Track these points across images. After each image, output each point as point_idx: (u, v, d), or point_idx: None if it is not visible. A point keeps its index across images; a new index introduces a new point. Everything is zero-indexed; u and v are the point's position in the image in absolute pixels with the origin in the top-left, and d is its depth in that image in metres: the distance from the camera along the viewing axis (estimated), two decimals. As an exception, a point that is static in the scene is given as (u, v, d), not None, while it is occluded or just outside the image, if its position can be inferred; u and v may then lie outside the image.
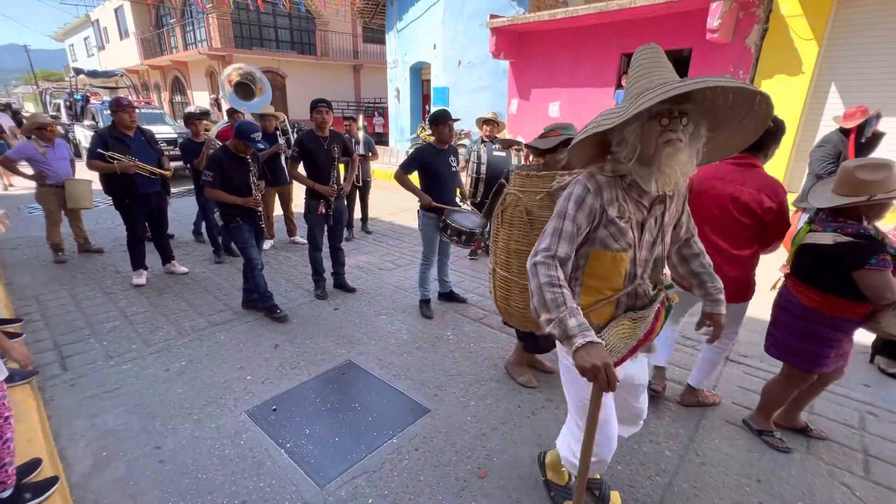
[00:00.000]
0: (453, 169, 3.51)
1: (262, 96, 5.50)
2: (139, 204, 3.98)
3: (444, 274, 3.87)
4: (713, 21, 6.07)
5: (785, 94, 6.14)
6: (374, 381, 2.76)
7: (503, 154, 4.35)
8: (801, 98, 6.07)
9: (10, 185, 8.83)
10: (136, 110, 3.92)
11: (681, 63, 7.58)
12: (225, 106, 5.96)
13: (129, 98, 13.46)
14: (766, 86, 6.32)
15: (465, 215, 3.42)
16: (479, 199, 4.28)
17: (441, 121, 3.32)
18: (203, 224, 5.31)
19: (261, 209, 3.42)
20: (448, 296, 3.90)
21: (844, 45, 5.77)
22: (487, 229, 3.31)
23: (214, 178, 3.20)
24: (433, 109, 11.31)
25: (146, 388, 2.65)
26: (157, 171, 3.97)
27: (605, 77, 7.92)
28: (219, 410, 2.46)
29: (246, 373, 2.82)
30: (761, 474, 2.07)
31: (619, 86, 7.71)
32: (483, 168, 4.28)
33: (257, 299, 3.56)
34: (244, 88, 5.45)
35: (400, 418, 2.43)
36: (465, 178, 4.40)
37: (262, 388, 2.67)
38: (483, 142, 4.81)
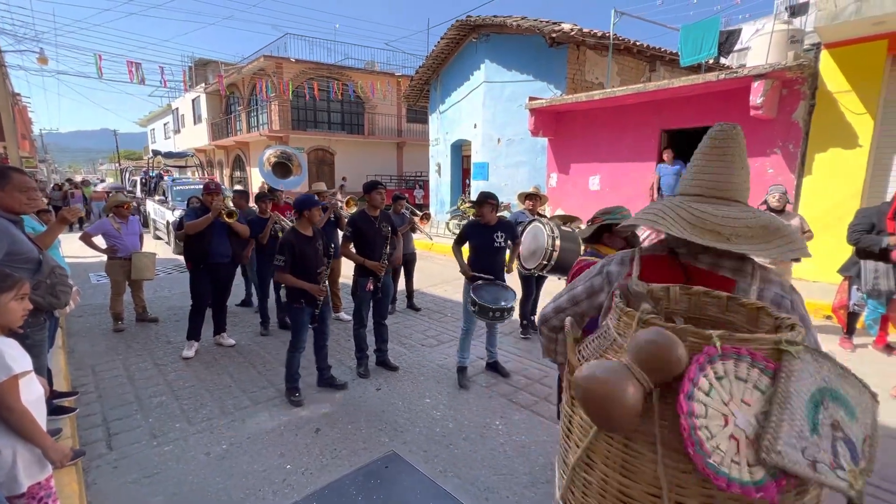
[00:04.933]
0: (496, 245, 3.62)
1: (300, 174, 5.87)
2: (210, 272, 4.26)
3: (491, 343, 3.90)
4: (756, 99, 6.10)
5: (843, 168, 5.92)
6: (419, 479, 2.54)
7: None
8: (860, 171, 5.82)
9: None
10: (221, 194, 4.33)
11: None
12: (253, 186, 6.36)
13: (199, 177, 14.90)
14: (820, 160, 6.14)
15: (496, 290, 3.55)
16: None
17: (480, 202, 3.62)
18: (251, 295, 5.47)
19: (321, 299, 3.41)
20: (493, 366, 3.91)
21: (904, 118, 5.59)
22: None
23: (286, 263, 3.25)
24: (472, 185, 11.74)
25: (185, 474, 2.55)
26: (229, 209, 4.35)
27: (646, 152, 7.99)
28: (256, 505, 2.31)
29: (286, 461, 2.68)
30: None
31: (660, 160, 7.73)
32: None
33: (287, 377, 3.44)
34: (281, 167, 5.86)
35: (449, 526, 2.18)
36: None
37: (301, 479, 2.52)
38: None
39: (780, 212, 4.32)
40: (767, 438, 0.66)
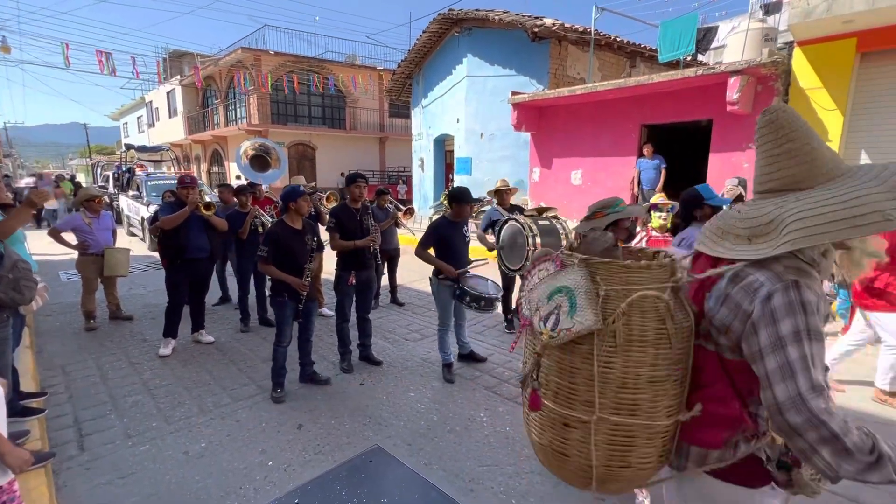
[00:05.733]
0: (467, 240, 3.70)
1: (278, 167, 5.75)
2: (187, 267, 4.16)
3: (462, 336, 3.94)
4: (732, 94, 6.23)
5: (814, 162, 6.10)
6: (403, 472, 2.52)
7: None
8: (831, 165, 6.01)
9: None
10: (196, 188, 4.18)
11: (700, 132, 7.73)
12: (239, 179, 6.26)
13: (175, 172, 14.49)
14: (792, 154, 6.30)
15: (481, 281, 3.62)
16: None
17: (463, 201, 3.51)
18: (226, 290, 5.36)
19: (304, 294, 3.34)
20: (468, 356, 3.95)
21: (871, 113, 5.79)
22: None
23: (268, 254, 3.20)
24: (456, 179, 11.70)
25: (162, 474, 2.48)
26: (206, 202, 4.24)
27: (627, 147, 8.09)
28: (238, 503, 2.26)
29: (268, 457, 2.63)
30: None
31: (640, 154, 7.84)
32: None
33: (273, 371, 3.39)
34: (259, 161, 5.73)
35: (434, 518, 2.18)
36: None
37: (284, 476, 2.47)
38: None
39: (735, 202, 4.44)
40: (527, 292, 1.20)
